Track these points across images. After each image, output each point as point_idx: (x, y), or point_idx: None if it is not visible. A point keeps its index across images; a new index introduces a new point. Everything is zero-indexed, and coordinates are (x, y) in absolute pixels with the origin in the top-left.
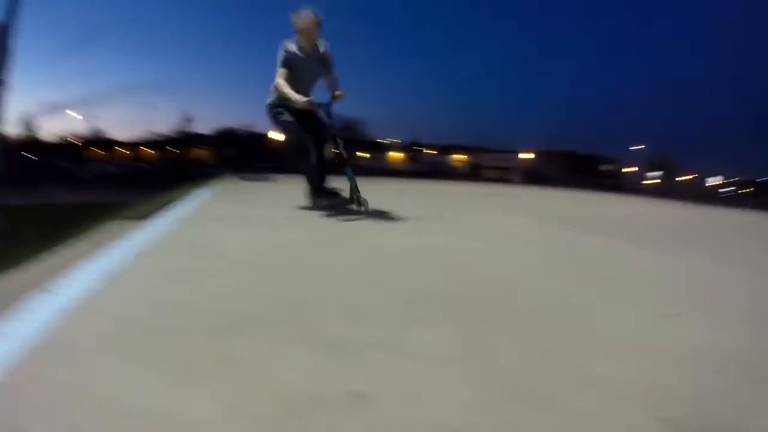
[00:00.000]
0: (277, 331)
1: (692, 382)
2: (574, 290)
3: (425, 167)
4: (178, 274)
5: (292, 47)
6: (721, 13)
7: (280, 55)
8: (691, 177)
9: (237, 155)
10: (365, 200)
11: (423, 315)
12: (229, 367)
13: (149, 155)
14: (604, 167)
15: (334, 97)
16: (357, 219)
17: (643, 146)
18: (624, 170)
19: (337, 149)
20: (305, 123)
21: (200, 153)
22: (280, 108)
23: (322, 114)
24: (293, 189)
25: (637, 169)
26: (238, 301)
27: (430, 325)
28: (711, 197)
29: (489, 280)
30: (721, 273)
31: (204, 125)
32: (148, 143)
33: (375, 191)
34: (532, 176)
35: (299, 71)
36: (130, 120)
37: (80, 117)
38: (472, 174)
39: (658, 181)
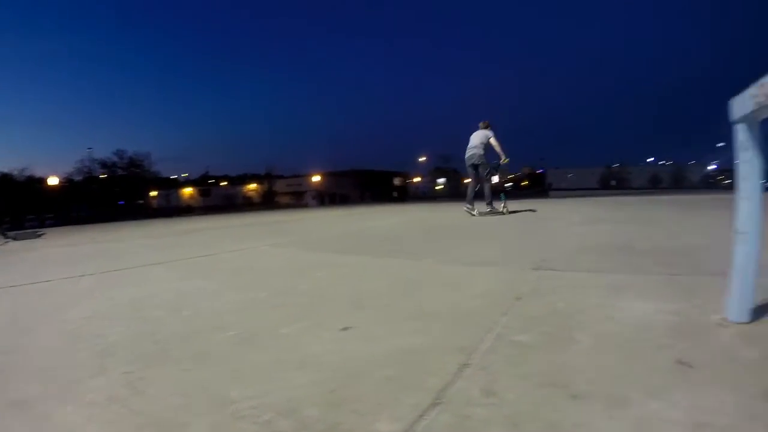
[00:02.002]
0: None
1: (335, 394)
2: (275, 317)
3: (218, 200)
4: None
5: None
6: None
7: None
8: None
9: (14, 207)
10: (507, 209)
11: (108, 365)
12: None
13: None
14: (395, 180)
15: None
16: (102, 275)
17: (428, 157)
18: (414, 180)
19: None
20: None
21: None
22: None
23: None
24: (59, 245)
25: (425, 177)
26: None
27: (108, 373)
28: (497, 193)
29: (195, 320)
30: (442, 272)
31: None
32: None
33: (142, 237)
34: (327, 197)
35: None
36: None
37: None
38: (267, 202)
39: (443, 187)
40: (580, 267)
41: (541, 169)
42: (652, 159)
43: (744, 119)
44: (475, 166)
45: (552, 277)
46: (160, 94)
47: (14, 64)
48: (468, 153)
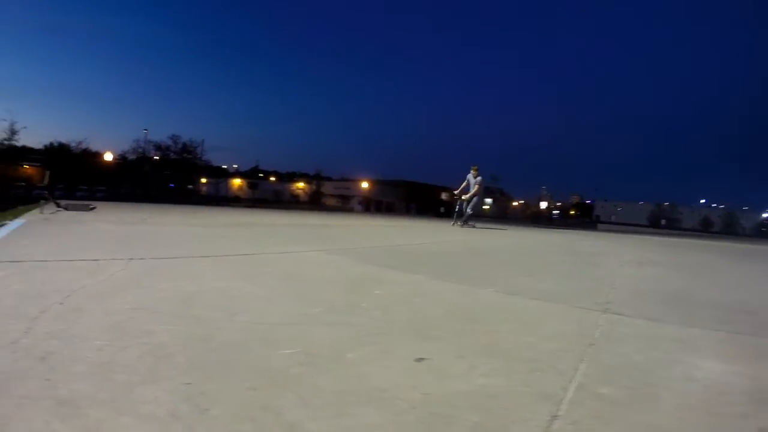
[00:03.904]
0: (23, 390)
1: None
2: (337, 337)
3: (266, 194)
4: None
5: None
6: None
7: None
8: (522, 202)
9: (68, 176)
10: (473, 225)
11: (161, 370)
12: None
13: None
14: (442, 195)
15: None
16: (151, 261)
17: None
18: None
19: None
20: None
21: (28, 171)
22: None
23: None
24: (109, 222)
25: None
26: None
27: (162, 381)
28: (543, 219)
29: (251, 328)
30: (507, 304)
31: (33, 137)
32: None
33: (190, 225)
34: (373, 204)
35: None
36: None
37: None
38: (313, 202)
39: (490, 207)
40: (645, 314)
41: (590, 199)
42: (704, 201)
43: None
44: None
45: (619, 323)
46: (219, 85)
47: (84, 40)
48: None
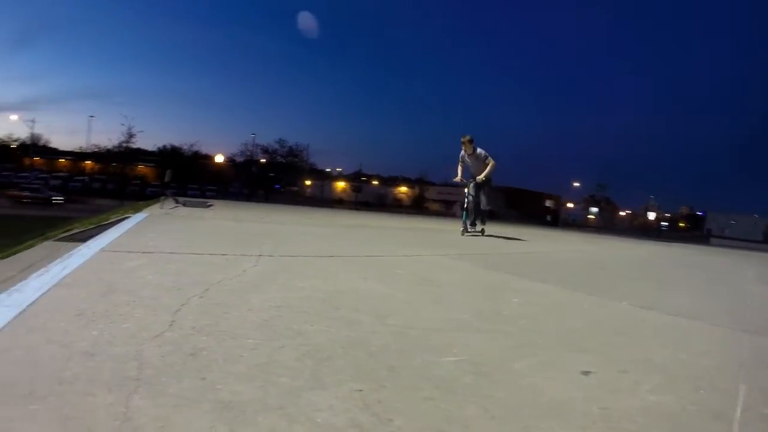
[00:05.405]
0: (177, 388)
1: None
2: (495, 346)
3: (368, 197)
4: (89, 314)
5: (462, 152)
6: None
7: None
8: (629, 212)
9: (181, 176)
10: (484, 230)
11: (326, 375)
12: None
13: (90, 168)
14: (546, 203)
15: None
16: (280, 258)
17: (581, 183)
18: (566, 205)
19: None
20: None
21: (143, 170)
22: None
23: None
24: (227, 219)
25: (578, 204)
26: (145, 349)
27: (330, 386)
28: (652, 230)
29: (405, 333)
30: (646, 318)
31: (147, 140)
32: (90, 155)
33: (305, 225)
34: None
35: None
36: (72, 128)
37: (20, 120)
38: (416, 206)
39: (595, 217)
40: None
41: (702, 211)
42: None
43: None
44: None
45: (764, 344)
46: (324, 87)
47: (194, 50)
48: None
